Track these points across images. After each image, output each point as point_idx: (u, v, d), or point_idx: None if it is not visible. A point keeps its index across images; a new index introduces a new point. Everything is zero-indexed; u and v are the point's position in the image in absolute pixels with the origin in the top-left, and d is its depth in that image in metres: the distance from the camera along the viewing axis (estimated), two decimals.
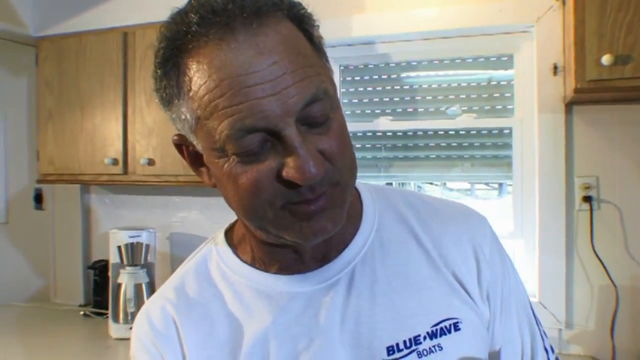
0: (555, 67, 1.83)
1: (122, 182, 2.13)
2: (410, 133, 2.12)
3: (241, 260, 0.72)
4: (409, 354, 0.64)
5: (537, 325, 0.76)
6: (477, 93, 2.06)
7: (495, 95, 2.04)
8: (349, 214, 0.65)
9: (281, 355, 0.65)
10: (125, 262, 2.11)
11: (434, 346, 0.65)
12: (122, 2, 2.07)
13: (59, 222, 2.59)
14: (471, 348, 0.67)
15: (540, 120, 1.86)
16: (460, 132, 2.07)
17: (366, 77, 2.19)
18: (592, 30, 1.50)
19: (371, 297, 0.67)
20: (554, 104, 1.84)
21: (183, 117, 0.59)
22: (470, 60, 2.07)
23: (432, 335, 0.65)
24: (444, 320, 0.66)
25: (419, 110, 2.12)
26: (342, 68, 2.20)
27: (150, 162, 2.02)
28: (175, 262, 2.38)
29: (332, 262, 0.68)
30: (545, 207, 1.85)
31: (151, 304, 0.74)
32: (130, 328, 1.96)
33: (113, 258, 2.14)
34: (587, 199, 1.80)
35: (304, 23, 0.60)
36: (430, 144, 2.11)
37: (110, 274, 2.17)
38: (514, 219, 1.96)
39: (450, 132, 2.08)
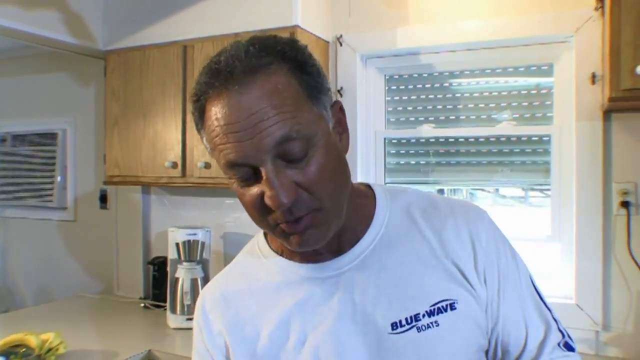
0: (594, 76, 1.88)
1: (180, 184, 2.29)
2: (452, 139, 2.21)
3: (272, 250, 0.86)
4: (409, 329, 0.77)
5: (544, 304, 0.85)
6: (518, 101, 2.13)
7: (535, 103, 2.11)
8: (361, 214, 0.82)
9: (301, 331, 0.80)
10: (182, 258, 2.28)
11: (431, 322, 0.77)
12: (182, 18, 2.23)
13: (121, 221, 2.79)
14: (466, 325, 0.78)
15: (578, 127, 1.92)
16: (501, 139, 2.14)
17: (410, 86, 2.29)
18: (627, 41, 1.55)
19: (378, 283, 0.79)
20: (592, 111, 1.90)
21: (204, 143, 0.76)
22: (512, 69, 2.14)
23: (430, 314, 0.77)
24: (441, 301, 0.78)
25: (461, 117, 2.21)
26: (387, 77, 2.32)
27: (207, 166, 2.18)
28: (228, 259, 2.54)
29: (345, 254, 0.81)
30: (583, 212, 1.90)
31: (206, 290, 0.90)
32: (187, 319, 2.14)
33: (171, 254, 2.31)
34: (625, 204, 1.85)
35: (299, 70, 0.72)
36: (472, 150, 2.19)
37: (168, 269, 2.35)
38: (552, 223, 2.01)
39: (491, 139, 2.16)
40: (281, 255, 0.85)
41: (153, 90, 2.30)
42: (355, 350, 0.78)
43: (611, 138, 1.89)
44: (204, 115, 0.73)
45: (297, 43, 0.75)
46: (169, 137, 2.28)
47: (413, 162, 2.28)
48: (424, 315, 0.77)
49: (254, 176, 0.70)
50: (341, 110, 0.79)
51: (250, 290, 0.85)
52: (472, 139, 2.18)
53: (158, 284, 2.58)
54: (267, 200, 0.69)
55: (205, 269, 2.31)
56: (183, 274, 2.26)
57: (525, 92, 2.12)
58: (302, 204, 0.70)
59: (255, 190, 0.71)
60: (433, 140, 2.24)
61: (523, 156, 2.13)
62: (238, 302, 0.85)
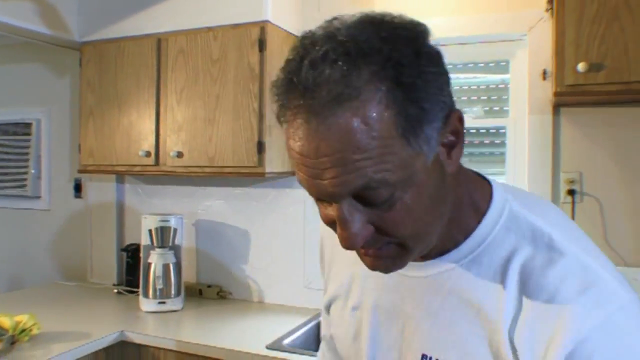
0: (545, 72, 2.02)
1: (153, 173, 2.37)
2: None
3: None
4: None
5: None
6: (478, 95, 2.25)
7: (493, 97, 2.23)
8: (460, 226, 0.70)
9: (357, 294, 0.83)
10: (155, 244, 2.35)
11: None
12: (156, 12, 2.30)
13: (95, 210, 2.85)
14: None
15: (530, 120, 2.05)
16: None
17: None
18: (570, 40, 1.68)
19: (434, 308, 0.72)
20: (543, 106, 2.03)
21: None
22: (472, 65, 2.26)
23: None
24: None
25: None
26: None
27: (179, 155, 2.26)
28: (199, 245, 2.63)
29: (422, 264, 0.73)
30: None
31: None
32: (159, 303, 2.21)
33: (144, 240, 2.38)
34: (571, 192, 1.98)
35: (402, 95, 0.56)
36: None
37: (141, 254, 2.42)
38: None
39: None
40: None
41: (128, 82, 2.37)
42: (389, 349, 0.78)
43: (560, 131, 2.02)
44: (285, 116, 0.61)
45: (417, 42, 0.59)
46: (142, 127, 2.35)
47: None
48: None
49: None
50: (460, 120, 0.63)
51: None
52: None
53: (131, 270, 2.65)
54: (338, 236, 0.62)
55: (177, 255, 2.39)
56: (155, 259, 2.34)
57: (484, 87, 2.24)
58: (378, 242, 0.63)
59: (329, 211, 0.63)
60: None
61: (482, 147, 2.26)
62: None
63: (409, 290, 0.75)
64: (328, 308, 0.91)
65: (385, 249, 0.64)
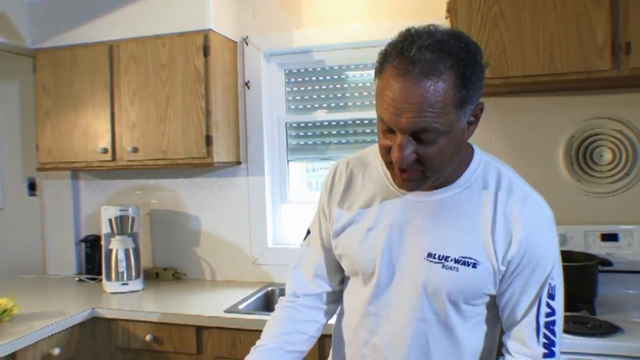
0: None
1: (110, 167, 2.61)
2: (343, 122, 2.68)
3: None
4: (437, 262, 1.06)
5: (540, 303, 1.06)
6: None
7: None
8: (456, 170, 1.07)
9: (374, 220, 1.13)
10: (115, 231, 2.60)
11: (454, 267, 1.05)
12: (108, 20, 2.53)
13: (51, 206, 3.04)
14: (477, 279, 1.05)
15: None
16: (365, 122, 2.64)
17: (306, 79, 2.74)
18: None
19: (438, 221, 1.08)
20: None
21: (375, 86, 0.99)
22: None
23: (456, 261, 1.05)
24: (468, 257, 1.05)
25: (349, 104, 2.69)
26: (287, 72, 2.75)
27: (135, 150, 2.51)
28: (155, 233, 2.89)
29: (432, 192, 1.09)
30: None
31: (341, 161, 1.25)
32: (122, 284, 2.46)
33: (105, 229, 2.62)
34: None
35: (461, 86, 0.92)
36: (359, 131, 2.68)
37: (102, 242, 2.66)
38: None
39: (374, 121, 2.65)
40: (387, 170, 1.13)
41: (83, 86, 2.60)
42: (399, 255, 1.11)
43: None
44: (383, 71, 0.96)
45: (475, 57, 0.95)
46: (98, 126, 2.58)
47: (311, 143, 2.74)
48: (451, 260, 1.05)
49: (392, 131, 0.97)
50: (481, 109, 1.01)
51: (363, 177, 1.19)
52: (359, 122, 2.66)
53: (91, 259, 2.87)
54: (393, 156, 0.97)
55: (135, 241, 2.64)
56: (117, 245, 2.59)
57: None
58: (412, 167, 0.98)
59: (389, 141, 0.98)
60: (327, 123, 2.71)
61: None
62: (354, 179, 1.20)
63: (420, 211, 1.10)
64: (339, 233, 1.19)
65: (414, 174, 0.99)
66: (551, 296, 1.06)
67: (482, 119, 1.02)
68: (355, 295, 1.20)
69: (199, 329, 2.16)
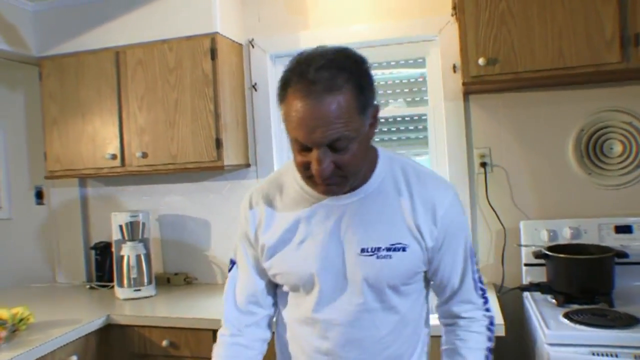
0: (455, 66, 2.42)
1: (120, 173, 2.60)
2: None
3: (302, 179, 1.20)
4: (371, 255, 1.16)
5: (472, 267, 1.24)
6: (401, 88, 2.64)
7: (414, 89, 2.63)
8: (367, 170, 1.17)
9: (303, 234, 1.20)
10: (126, 238, 2.59)
11: (387, 255, 1.16)
12: (114, 27, 2.53)
13: (60, 214, 3.03)
14: (410, 261, 1.17)
15: (446, 107, 2.46)
16: (389, 120, 2.65)
17: None
18: (471, 40, 2.09)
19: (362, 219, 1.17)
20: (455, 94, 2.44)
21: (281, 113, 1.07)
22: (394, 63, 2.64)
23: (387, 249, 1.16)
24: (397, 244, 1.16)
25: None
26: None
27: (144, 155, 2.51)
28: (164, 238, 2.88)
29: (349, 194, 1.18)
30: (454, 173, 2.44)
31: (253, 192, 1.30)
32: (135, 290, 2.45)
33: (115, 235, 2.61)
34: (483, 164, 2.41)
35: (359, 92, 1.03)
36: None
37: (113, 249, 2.65)
38: None
39: (381, 120, 2.65)
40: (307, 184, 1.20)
41: (90, 92, 2.59)
42: (333, 258, 1.18)
43: (470, 114, 2.44)
44: (286, 96, 1.04)
45: (364, 66, 1.07)
46: (107, 132, 2.58)
47: None
48: (383, 250, 1.16)
49: (307, 148, 1.05)
50: (377, 110, 1.11)
51: (281, 197, 1.25)
52: None
53: (101, 266, 2.86)
54: (313, 170, 1.05)
55: (146, 247, 2.64)
56: (128, 251, 2.58)
57: (406, 81, 2.63)
58: (333, 175, 1.07)
59: (306, 156, 1.06)
60: None
61: (407, 132, 2.65)
62: (273, 202, 1.25)
63: (344, 213, 1.18)
64: (272, 255, 1.23)
65: (335, 179, 1.08)
66: (472, 254, 1.26)
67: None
68: (298, 307, 1.26)
69: (216, 333, 2.14)
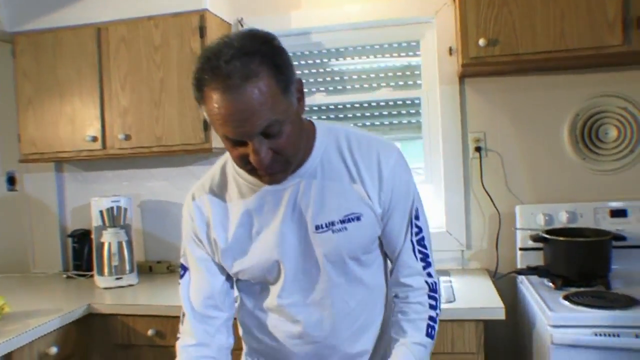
0: (451, 49, 2.38)
1: (101, 156, 2.47)
2: (341, 106, 2.62)
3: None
4: (326, 230, 1.14)
5: (411, 226, 1.21)
6: (394, 71, 2.58)
7: (407, 73, 2.57)
8: (306, 145, 1.13)
9: (258, 225, 1.17)
10: (107, 224, 2.47)
11: (342, 227, 1.14)
12: (95, 2, 2.39)
13: (34, 201, 2.88)
14: (366, 229, 1.16)
15: (441, 91, 2.41)
16: (381, 104, 2.59)
17: (303, 62, 2.66)
18: (472, 21, 2.04)
19: (311, 197, 1.14)
20: (451, 77, 2.40)
21: (204, 113, 1.02)
22: (387, 45, 2.58)
23: (342, 221, 1.14)
24: (351, 213, 1.14)
25: (347, 87, 2.62)
26: None
27: (127, 137, 2.39)
28: (146, 225, 2.76)
29: (293, 174, 1.13)
30: (448, 158, 2.40)
31: (194, 189, 1.24)
32: (116, 278, 2.34)
33: (95, 221, 2.49)
34: (478, 149, 2.37)
35: (277, 72, 0.97)
36: (357, 115, 2.62)
37: (93, 236, 2.53)
38: (425, 169, 2.50)
39: (372, 104, 2.60)
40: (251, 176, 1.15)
41: (68, 71, 2.45)
42: (291, 241, 1.15)
43: (465, 98, 2.40)
44: (204, 97, 0.98)
45: (274, 43, 1.00)
46: (87, 114, 2.44)
47: None
48: (337, 222, 1.14)
49: (241, 142, 1.00)
50: (301, 84, 1.07)
51: (226, 192, 1.20)
52: (358, 105, 2.60)
53: (78, 255, 2.73)
54: (253, 161, 1.00)
55: (128, 233, 2.52)
56: (109, 237, 2.46)
57: (399, 64, 2.58)
58: (274, 162, 1.02)
59: (241, 150, 1.01)
60: (325, 107, 2.64)
61: (401, 117, 2.59)
62: (218, 197, 1.20)
63: (292, 195, 1.15)
64: (229, 252, 1.18)
65: (277, 166, 1.03)
66: (417, 217, 1.22)
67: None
68: (262, 296, 1.23)
69: None
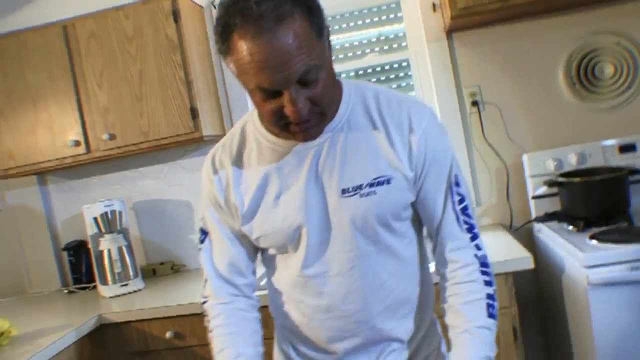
0: (434, 5, 2.31)
1: (86, 161, 2.34)
2: None
3: (264, 128, 1.12)
4: (354, 194, 1.06)
5: (451, 194, 1.10)
6: (377, 37, 2.50)
7: (391, 37, 2.50)
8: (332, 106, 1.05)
9: (277, 188, 1.09)
10: (103, 230, 2.35)
11: (371, 191, 1.06)
12: None
13: (21, 218, 2.73)
14: (396, 194, 1.08)
15: (429, 49, 2.34)
16: (369, 71, 2.51)
17: None
18: None
19: (336, 158, 1.07)
20: (438, 34, 2.33)
21: (231, 67, 0.94)
22: (366, 11, 2.50)
23: (370, 185, 1.06)
24: (380, 176, 1.06)
25: (333, 59, 2.53)
26: None
27: (112, 137, 2.27)
28: (143, 227, 2.65)
29: (324, 132, 1.06)
30: (445, 116, 2.34)
31: (213, 150, 1.18)
32: (122, 285, 2.24)
33: (90, 230, 2.37)
34: (475, 103, 2.32)
35: (310, 14, 0.91)
36: None
37: (90, 245, 2.41)
38: None
39: (359, 72, 2.52)
40: (272, 133, 1.10)
41: (38, 75, 2.31)
42: (316, 205, 1.08)
43: (455, 53, 2.34)
44: (232, 45, 0.90)
45: None
46: (65, 118, 2.31)
47: None
48: (366, 186, 1.06)
49: (273, 94, 0.93)
50: (329, 32, 1.00)
51: (246, 153, 1.13)
52: (344, 74, 2.52)
53: (76, 268, 2.60)
54: (289, 113, 0.93)
55: (127, 237, 2.41)
56: (108, 244, 2.34)
57: (382, 28, 2.50)
58: (311, 113, 0.96)
59: (275, 103, 0.94)
60: None
61: (389, 82, 2.52)
62: (238, 159, 1.13)
63: (316, 156, 1.08)
64: (250, 216, 1.12)
65: (313, 119, 0.97)
66: (457, 184, 1.11)
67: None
68: (286, 269, 1.16)
69: None
